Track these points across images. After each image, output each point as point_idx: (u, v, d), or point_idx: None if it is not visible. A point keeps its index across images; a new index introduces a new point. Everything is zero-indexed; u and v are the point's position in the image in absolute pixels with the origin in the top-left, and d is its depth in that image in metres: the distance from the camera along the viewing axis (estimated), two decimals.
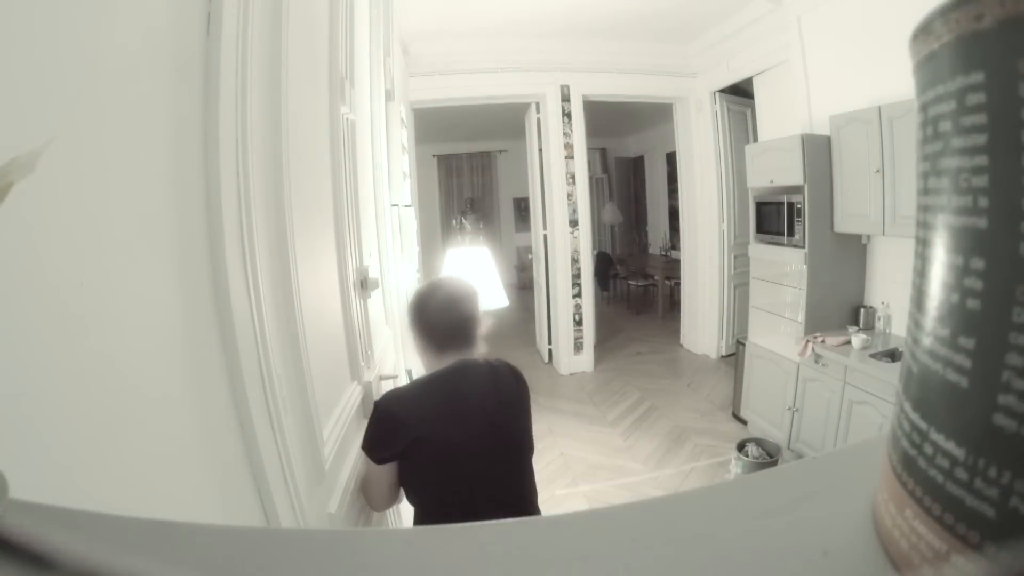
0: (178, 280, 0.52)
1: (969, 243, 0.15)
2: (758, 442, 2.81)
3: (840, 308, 2.87)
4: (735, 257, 4.50)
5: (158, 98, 0.51)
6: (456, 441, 1.07)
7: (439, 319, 1.18)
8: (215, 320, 0.59)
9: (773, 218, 3.04)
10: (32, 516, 0.21)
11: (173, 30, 0.54)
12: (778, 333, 3.07)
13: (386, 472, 1.08)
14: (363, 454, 1.09)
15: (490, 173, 8.10)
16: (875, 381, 2.32)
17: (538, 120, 4.56)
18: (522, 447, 1.19)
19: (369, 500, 1.13)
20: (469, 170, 8.06)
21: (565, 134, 4.45)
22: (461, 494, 1.08)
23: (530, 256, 5.39)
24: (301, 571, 0.21)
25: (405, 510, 1.68)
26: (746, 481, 0.29)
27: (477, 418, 1.11)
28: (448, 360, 1.17)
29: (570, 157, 4.49)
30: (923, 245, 0.17)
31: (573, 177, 4.51)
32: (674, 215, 6.10)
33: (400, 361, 2.12)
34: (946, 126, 0.16)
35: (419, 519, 1.14)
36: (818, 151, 2.79)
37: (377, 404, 1.10)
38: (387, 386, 1.62)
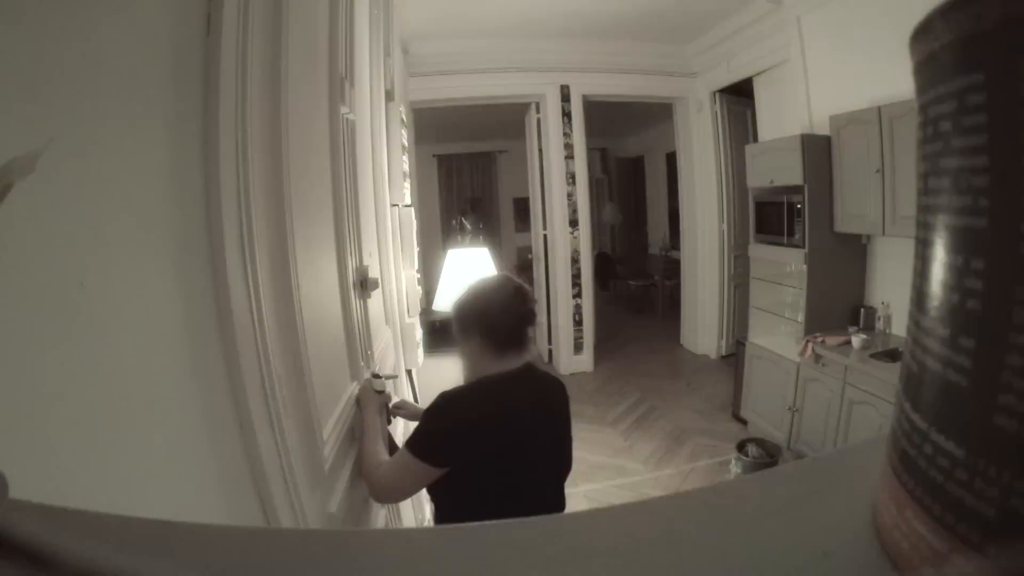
0: (178, 280, 0.52)
1: (969, 243, 0.15)
2: (758, 442, 2.81)
3: (840, 308, 2.86)
4: (735, 257, 4.49)
5: (158, 98, 0.51)
6: (531, 457, 1.04)
7: (503, 319, 1.10)
8: (215, 320, 0.59)
9: (773, 218, 3.04)
10: (32, 516, 0.21)
11: (173, 30, 0.54)
12: (778, 333, 3.07)
13: (435, 473, 1.01)
14: (410, 453, 1.00)
15: (490, 173, 8.09)
16: (875, 381, 2.32)
17: (538, 120, 4.56)
18: (569, 465, 1.17)
19: (391, 495, 1.07)
20: (469, 170, 8.04)
21: (565, 134, 4.45)
22: (519, 507, 1.01)
23: (530, 256, 5.39)
24: (301, 571, 0.21)
25: (403, 509, 1.67)
26: (746, 481, 0.29)
27: (547, 431, 1.09)
28: (509, 362, 1.10)
29: (570, 157, 4.49)
30: (923, 245, 0.17)
31: (573, 177, 4.51)
32: (674, 215, 6.08)
33: (400, 361, 2.12)
34: (946, 126, 0.16)
35: (450, 517, 1.08)
36: (818, 151, 2.78)
37: (450, 409, 1.04)
38: (386, 386, 1.61)
